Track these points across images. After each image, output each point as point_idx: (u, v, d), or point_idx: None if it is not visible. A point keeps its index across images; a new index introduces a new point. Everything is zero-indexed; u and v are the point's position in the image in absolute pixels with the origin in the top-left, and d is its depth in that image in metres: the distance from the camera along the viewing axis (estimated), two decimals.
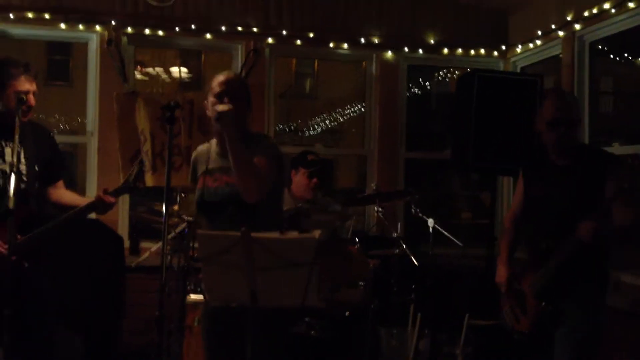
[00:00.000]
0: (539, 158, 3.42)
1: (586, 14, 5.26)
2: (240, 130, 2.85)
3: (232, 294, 2.56)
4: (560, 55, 5.68)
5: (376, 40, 6.28)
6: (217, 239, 2.54)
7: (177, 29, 5.87)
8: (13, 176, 3.07)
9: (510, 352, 3.64)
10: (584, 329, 3.10)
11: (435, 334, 4.50)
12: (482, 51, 6.49)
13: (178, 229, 4.73)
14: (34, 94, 3.46)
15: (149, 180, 5.26)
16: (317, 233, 2.44)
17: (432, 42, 6.37)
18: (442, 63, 7.11)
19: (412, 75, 7.23)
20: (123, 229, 5.79)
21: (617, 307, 4.37)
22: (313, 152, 4.90)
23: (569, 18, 5.46)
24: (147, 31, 5.86)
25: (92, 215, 3.87)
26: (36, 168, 3.46)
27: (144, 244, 5.61)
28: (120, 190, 3.56)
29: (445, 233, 4.92)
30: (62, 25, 5.69)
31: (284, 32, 6.06)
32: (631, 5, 4.83)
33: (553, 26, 5.67)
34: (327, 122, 14.91)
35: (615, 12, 4.99)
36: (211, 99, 2.96)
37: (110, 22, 5.70)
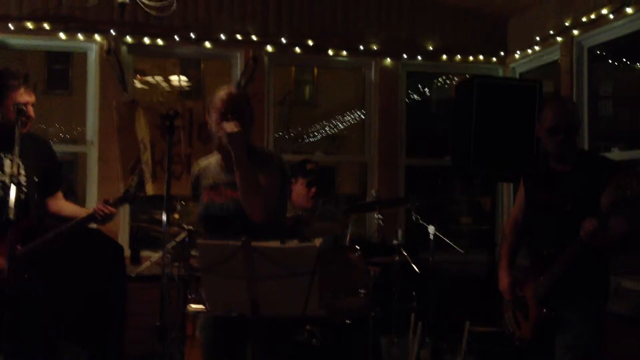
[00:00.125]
0: (539, 164, 3.43)
1: (584, 19, 5.28)
2: (246, 146, 2.86)
3: (233, 303, 2.56)
4: (559, 61, 5.69)
5: (375, 47, 6.29)
6: (217, 248, 2.54)
7: (176, 37, 5.89)
8: (13, 187, 3.08)
9: (512, 359, 3.63)
10: (585, 335, 3.09)
11: (436, 342, 4.50)
12: (481, 57, 6.50)
13: (179, 238, 4.72)
14: (33, 105, 3.46)
15: (149, 189, 5.26)
16: (317, 242, 2.44)
17: (431, 48, 6.39)
18: (441, 69, 7.13)
19: (411, 82, 7.23)
20: (123, 238, 5.79)
21: (618, 313, 4.36)
22: (312, 160, 4.89)
23: (567, 24, 5.47)
24: (146, 40, 5.87)
25: (93, 225, 3.87)
26: (35, 179, 3.46)
27: (144, 253, 5.59)
28: (120, 200, 3.57)
29: (446, 240, 4.91)
30: (62, 35, 5.70)
31: (283, 40, 6.07)
32: (629, 10, 4.84)
33: (551, 32, 5.68)
34: (327, 129, 14.92)
35: (613, 17, 5.01)
36: (215, 117, 2.94)
37: (110, 31, 5.70)
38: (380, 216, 4.91)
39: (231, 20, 5.98)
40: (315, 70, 16.63)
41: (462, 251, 5.03)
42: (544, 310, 3.15)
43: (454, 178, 7.36)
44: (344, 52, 6.28)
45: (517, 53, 6.30)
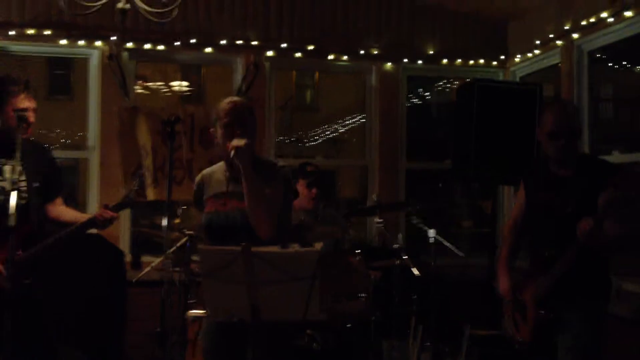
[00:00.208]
0: (540, 167, 3.43)
1: (584, 23, 5.28)
2: (252, 158, 2.88)
3: (234, 308, 2.57)
4: (559, 64, 5.70)
5: (376, 52, 6.30)
6: (218, 253, 2.55)
7: (177, 43, 5.90)
8: (14, 193, 3.09)
9: None
10: (585, 336, 3.10)
11: (437, 345, 4.50)
12: (482, 61, 6.51)
13: (179, 243, 4.74)
14: (33, 111, 3.48)
15: (151, 194, 5.27)
16: (318, 246, 2.45)
17: (431, 52, 6.40)
18: (441, 73, 7.13)
19: (411, 86, 7.23)
20: (124, 244, 5.79)
21: (619, 315, 4.37)
22: (312, 163, 4.95)
23: (567, 27, 5.48)
24: (147, 46, 5.89)
25: (93, 230, 3.88)
26: (35, 185, 3.47)
27: (145, 259, 5.60)
28: (120, 205, 3.58)
29: (447, 243, 4.92)
30: (63, 41, 5.72)
31: (284, 45, 6.08)
32: (628, 14, 4.85)
33: (551, 35, 5.69)
34: (328, 133, 14.93)
35: (613, 21, 5.01)
36: (220, 130, 2.95)
37: (111, 37, 5.72)
38: (380, 220, 4.92)
39: (232, 26, 5.99)
40: (317, 75, 16.64)
41: (462, 255, 5.03)
42: (543, 312, 3.15)
43: (455, 181, 7.35)
44: (345, 57, 6.29)
45: (517, 57, 6.31)
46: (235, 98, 3.08)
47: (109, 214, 3.48)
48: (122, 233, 5.78)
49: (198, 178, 3.16)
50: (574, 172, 3.22)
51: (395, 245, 4.81)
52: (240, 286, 2.45)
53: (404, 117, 6.49)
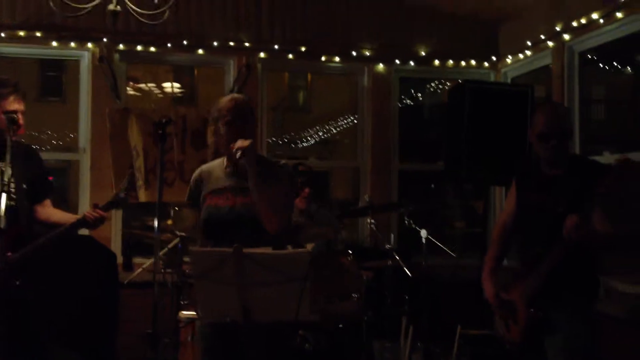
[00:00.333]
0: (531, 168, 3.44)
1: (575, 24, 5.31)
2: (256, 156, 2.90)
3: (225, 310, 2.57)
4: (551, 65, 5.72)
5: (368, 53, 6.31)
6: (209, 255, 2.55)
7: (169, 45, 5.90)
8: (3, 195, 3.08)
9: None
10: (576, 337, 3.10)
11: (428, 346, 4.51)
12: (473, 62, 6.54)
13: (171, 245, 4.73)
14: (22, 113, 3.47)
15: (142, 195, 5.26)
16: (309, 247, 2.46)
17: (423, 54, 6.42)
18: (433, 75, 7.16)
19: (403, 87, 7.25)
20: (116, 245, 5.79)
21: (612, 315, 4.38)
22: (304, 163, 4.98)
23: (558, 28, 5.50)
24: (139, 48, 5.88)
25: (85, 232, 3.87)
26: (24, 186, 3.46)
27: (137, 260, 5.59)
28: (110, 204, 3.57)
29: (438, 244, 4.93)
30: (54, 43, 5.71)
31: (276, 47, 6.09)
32: (619, 15, 4.87)
33: (542, 37, 5.71)
34: (321, 134, 14.94)
35: (604, 22, 5.03)
36: (222, 127, 2.95)
37: (102, 39, 5.71)
38: (373, 221, 4.93)
39: (224, 27, 5.99)
40: (309, 76, 16.64)
41: (454, 255, 5.04)
42: (532, 310, 3.16)
43: (447, 182, 7.37)
44: (337, 58, 6.30)
45: (508, 58, 6.34)
46: (237, 95, 3.11)
47: (98, 213, 3.47)
48: (113, 235, 5.77)
49: (196, 174, 3.14)
50: (565, 173, 3.23)
51: (387, 246, 4.82)
52: (231, 287, 2.45)
53: (396, 118, 6.51)
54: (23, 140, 3.63)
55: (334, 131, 14.54)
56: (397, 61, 6.40)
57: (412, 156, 7.01)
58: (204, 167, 3.16)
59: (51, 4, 4.10)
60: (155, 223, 3.39)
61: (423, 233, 4.75)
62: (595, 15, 5.09)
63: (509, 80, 6.48)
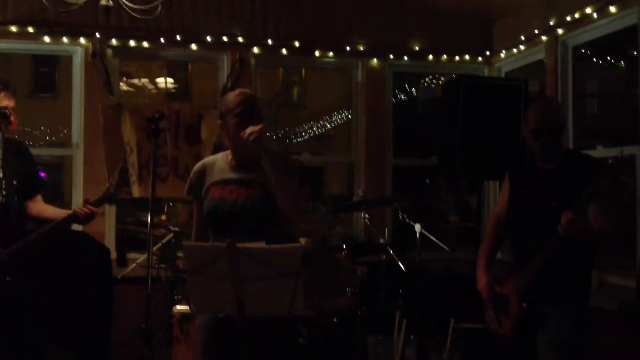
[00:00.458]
0: (525, 162, 3.45)
1: (568, 18, 5.31)
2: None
3: (219, 304, 2.57)
4: (544, 60, 5.73)
5: (362, 48, 6.30)
6: (203, 250, 2.55)
7: (162, 40, 5.87)
8: None
9: (498, 355, 3.65)
10: (568, 332, 3.11)
11: (421, 340, 4.52)
12: (467, 57, 6.53)
13: (165, 240, 4.73)
14: (13, 109, 3.46)
15: (136, 191, 5.24)
16: (303, 242, 2.45)
17: (417, 49, 6.41)
18: (427, 69, 7.16)
19: (398, 82, 7.26)
20: (110, 241, 5.77)
21: (604, 308, 4.40)
22: (297, 159, 4.95)
23: (551, 23, 5.51)
24: (132, 43, 5.86)
25: (79, 227, 3.86)
26: (15, 182, 3.45)
27: (131, 255, 5.58)
28: (101, 199, 3.57)
29: (432, 238, 4.93)
30: (47, 39, 5.68)
31: (270, 42, 6.07)
32: (612, 9, 4.87)
33: (536, 31, 5.72)
34: (315, 129, 14.95)
35: (597, 16, 5.04)
36: (232, 120, 2.95)
37: (95, 34, 5.68)
38: (367, 216, 4.93)
39: (217, 23, 5.97)
40: (303, 71, 16.65)
41: (448, 249, 5.05)
42: (524, 305, 3.17)
43: (441, 177, 7.38)
44: (331, 53, 6.29)
45: (502, 52, 6.34)
46: (244, 90, 3.12)
47: (89, 208, 3.47)
48: (107, 230, 5.76)
49: (198, 166, 3.12)
50: (559, 167, 3.24)
51: (382, 241, 4.83)
52: (225, 282, 2.44)
53: (390, 114, 6.51)
54: (16, 136, 3.63)
55: (328, 126, 14.56)
56: (391, 56, 6.40)
57: (407, 151, 7.02)
58: (207, 159, 3.15)
59: None
60: (149, 218, 3.38)
61: (417, 227, 4.74)
62: (588, 10, 5.09)
63: (502, 75, 6.49)
